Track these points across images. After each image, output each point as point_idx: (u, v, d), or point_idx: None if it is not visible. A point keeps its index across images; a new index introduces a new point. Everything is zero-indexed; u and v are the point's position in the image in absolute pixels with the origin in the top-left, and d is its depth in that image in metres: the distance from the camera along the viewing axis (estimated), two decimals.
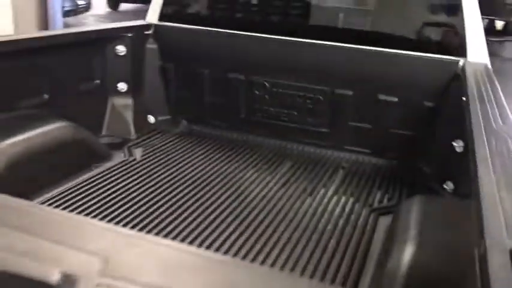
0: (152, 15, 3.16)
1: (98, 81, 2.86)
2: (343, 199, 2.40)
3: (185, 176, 2.51)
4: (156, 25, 3.11)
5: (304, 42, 2.83)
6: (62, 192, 2.21)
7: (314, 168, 2.74)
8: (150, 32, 3.08)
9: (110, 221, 2.03)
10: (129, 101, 3.02)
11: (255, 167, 2.70)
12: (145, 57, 3.08)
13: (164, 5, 3.13)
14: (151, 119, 3.17)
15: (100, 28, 2.87)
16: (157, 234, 1.97)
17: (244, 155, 2.84)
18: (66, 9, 10.73)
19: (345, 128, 2.88)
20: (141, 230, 1.99)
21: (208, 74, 3.06)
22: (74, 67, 2.69)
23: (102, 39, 2.84)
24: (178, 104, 3.20)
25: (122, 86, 2.98)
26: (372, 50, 2.68)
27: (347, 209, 2.30)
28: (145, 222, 2.04)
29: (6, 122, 2.21)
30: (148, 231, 1.99)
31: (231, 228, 2.04)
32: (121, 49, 2.91)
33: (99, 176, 2.40)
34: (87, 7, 11.19)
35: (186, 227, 2.03)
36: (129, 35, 2.93)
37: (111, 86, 2.95)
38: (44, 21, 5.94)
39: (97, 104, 2.90)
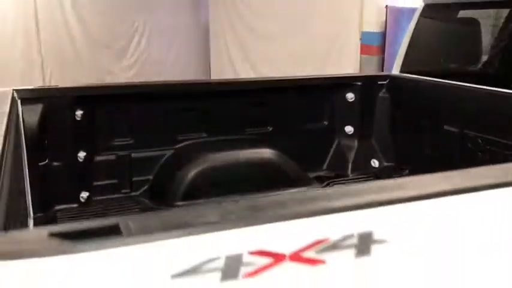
0: (395, 68, 3.35)
1: (326, 122, 3.30)
2: None
3: None
4: (391, 76, 3.28)
5: None
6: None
7: None
8: (384, 82, 3.29)
9: None
10: (354, 143, 3.31)
11: None
12: (376, 105, 3.30)
13: (405, 59, 3.27)
14: (375, 163, 3.33)
15: (333, 76, 3.32)
16: None
17: None
18: None
19: None
20: None
21: (427, 125, 3.00)
22: (304, 107, 3.23)
23: (334, 85, 3.27)
24: (403, 152, 3.24)
25: (349, 129, 3.30)
26: None
27: None
28: None
29: (225, 142, 2.99)
30: None
31: None
32: (350, 96, 3.25)
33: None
34: None
35: None
36: (359, 83, 3.24)
37: (339, 128, 3.32)
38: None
39: (323, 142, 3.33)
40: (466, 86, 2.75)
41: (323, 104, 3.29)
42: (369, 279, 0.96)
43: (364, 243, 0.94)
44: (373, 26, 6.74)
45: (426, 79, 3.06)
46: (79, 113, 2.64)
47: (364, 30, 6.96)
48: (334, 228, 0.94)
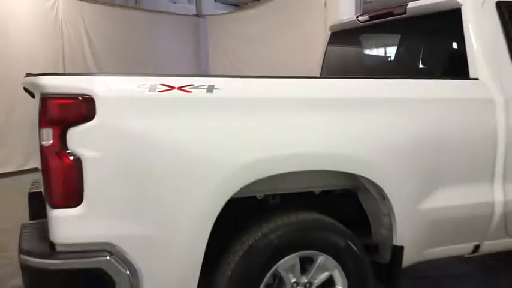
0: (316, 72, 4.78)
1: None
2: None
3: None
4: None
5: None
6: None
7: None
8: None
9: None
10: None
11: None
12: None
13: (321, 74, 4.70)
14: None
15: None
16: None
17: None
18: None
19: None
20: None
21: None
22: None
23: None
24: None
25: None
26: None
27: None
28: None
29: None
30: None
31: None
32: None
33: None
34: None
35: None
36: None
37: None
38: None
39: None
40: None
41: None
42: (210, 103, 2.35)
43: (210, 88, 2.33)
44: None
45: None
46: None
47: None
48: (197, 82, 2.33)
